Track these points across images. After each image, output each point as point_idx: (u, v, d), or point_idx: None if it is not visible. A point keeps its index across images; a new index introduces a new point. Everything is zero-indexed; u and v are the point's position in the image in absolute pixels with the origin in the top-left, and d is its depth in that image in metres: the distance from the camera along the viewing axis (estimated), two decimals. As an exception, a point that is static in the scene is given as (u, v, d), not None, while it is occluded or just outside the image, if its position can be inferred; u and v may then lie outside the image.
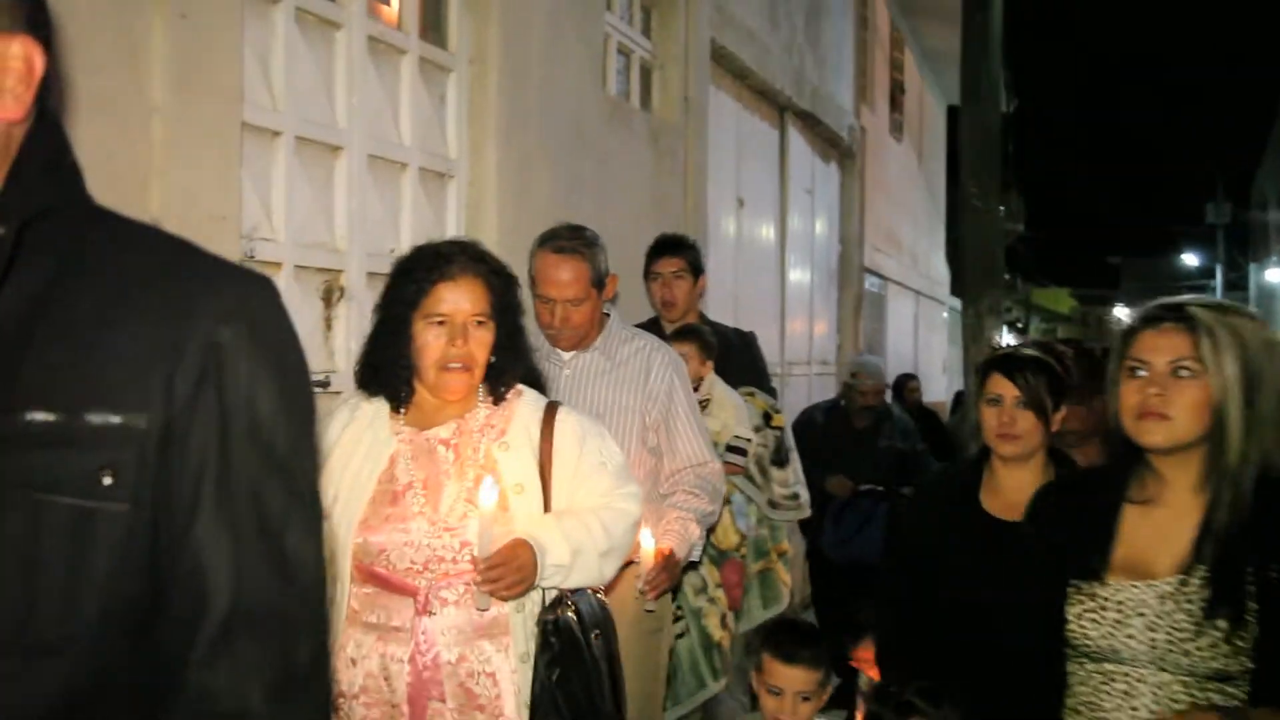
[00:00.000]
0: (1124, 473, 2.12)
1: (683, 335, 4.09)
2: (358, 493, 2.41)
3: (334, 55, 3.59)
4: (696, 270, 4.31)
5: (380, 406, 2.51)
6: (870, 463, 6.19)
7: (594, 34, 5.07)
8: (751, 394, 4.28)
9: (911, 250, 14.22)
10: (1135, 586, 2.03)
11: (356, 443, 2.47)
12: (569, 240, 3.25)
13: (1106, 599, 2.05)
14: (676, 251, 4.31)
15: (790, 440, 4.41)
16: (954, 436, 8.63)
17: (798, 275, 9.01)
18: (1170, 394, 1.99)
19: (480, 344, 2.41)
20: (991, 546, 2.66)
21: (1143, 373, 2.02)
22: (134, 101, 2.67)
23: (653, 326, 4.16)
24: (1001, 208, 9.48)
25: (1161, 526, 2.05)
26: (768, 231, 8.24)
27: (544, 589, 2.42)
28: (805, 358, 9.24)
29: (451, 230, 4.14)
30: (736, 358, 4.35)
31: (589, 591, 2.51)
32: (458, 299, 2.38)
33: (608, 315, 3.40)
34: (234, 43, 3.00)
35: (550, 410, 2.53)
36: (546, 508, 2.45)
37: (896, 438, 6.42)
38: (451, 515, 2.37)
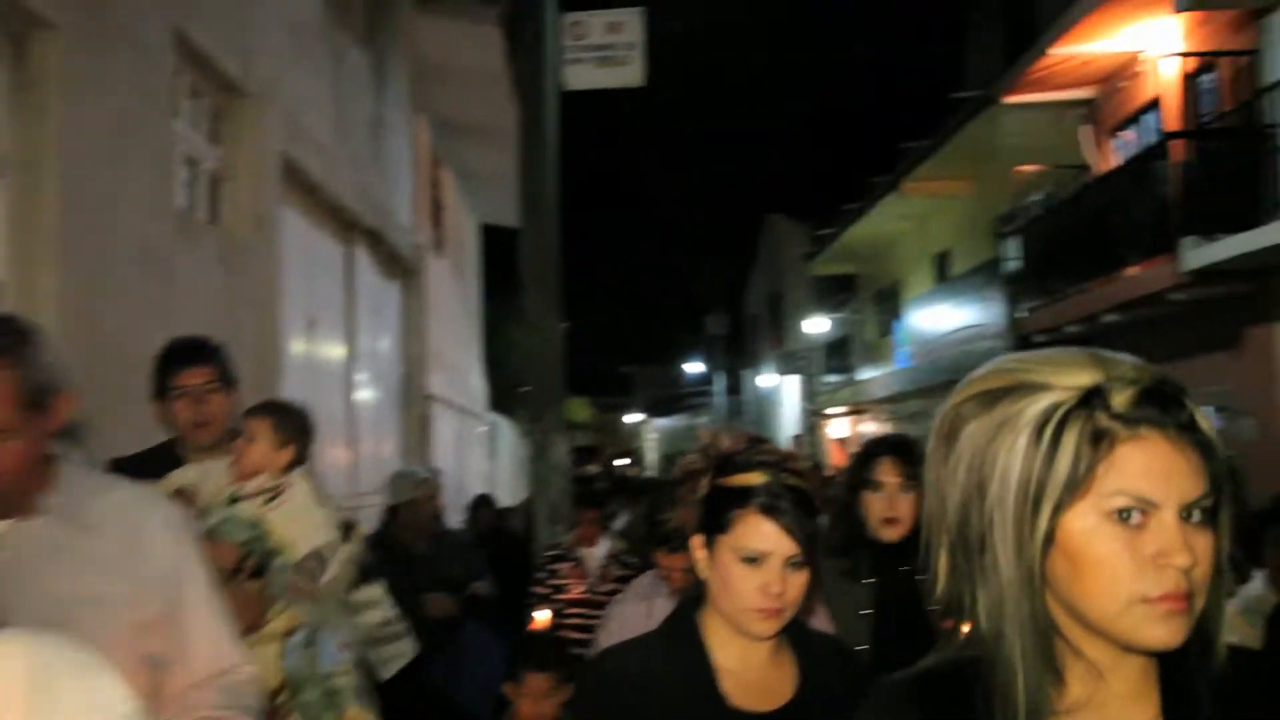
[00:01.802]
0: (1040, 671, 1.24)
1: (257, 410, 3.13)
2: None
3: None
4: (230, 380, 3.35)
5: None
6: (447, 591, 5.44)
7: (161, 139, 4.47)
8: (329, 497, 3.30)
9: (454, 366, 14.16)
10: None
11: None
12: None
13: None
14: (204, 360, 3.31)
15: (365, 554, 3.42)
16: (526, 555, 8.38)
17: (365, 395, 8.58)
18: (1196, 553, 1.18)
19: None
20: None
21: (1137, 518, 1.17)
22: None
23: (166, 456, 3.23)
24: (565, 324, 9.60)
25: None
26: (337, 351, 7.79)
27: None
28: (376, 486, 8.66)
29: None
30: None
31: None
32: None
33: (56, 457, 2.09)
34: None
35: None
36: None
37: (458, 561, 5.85)
38: None
